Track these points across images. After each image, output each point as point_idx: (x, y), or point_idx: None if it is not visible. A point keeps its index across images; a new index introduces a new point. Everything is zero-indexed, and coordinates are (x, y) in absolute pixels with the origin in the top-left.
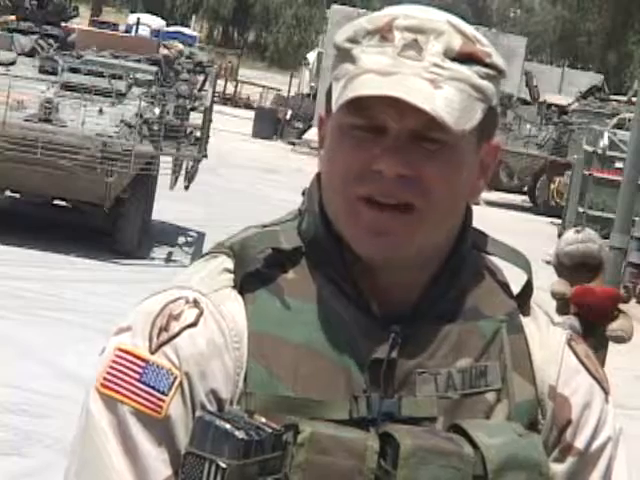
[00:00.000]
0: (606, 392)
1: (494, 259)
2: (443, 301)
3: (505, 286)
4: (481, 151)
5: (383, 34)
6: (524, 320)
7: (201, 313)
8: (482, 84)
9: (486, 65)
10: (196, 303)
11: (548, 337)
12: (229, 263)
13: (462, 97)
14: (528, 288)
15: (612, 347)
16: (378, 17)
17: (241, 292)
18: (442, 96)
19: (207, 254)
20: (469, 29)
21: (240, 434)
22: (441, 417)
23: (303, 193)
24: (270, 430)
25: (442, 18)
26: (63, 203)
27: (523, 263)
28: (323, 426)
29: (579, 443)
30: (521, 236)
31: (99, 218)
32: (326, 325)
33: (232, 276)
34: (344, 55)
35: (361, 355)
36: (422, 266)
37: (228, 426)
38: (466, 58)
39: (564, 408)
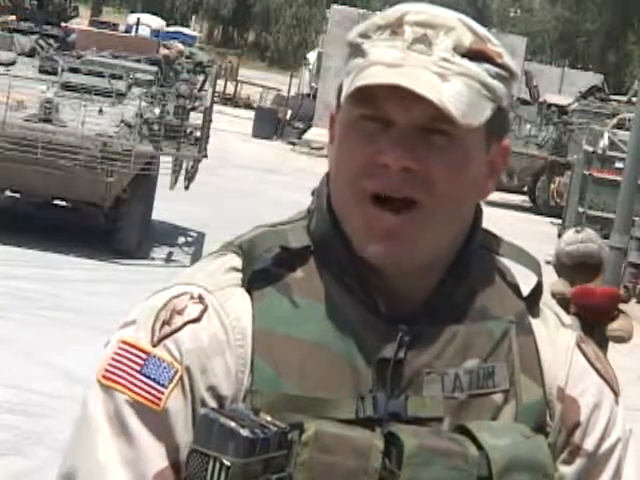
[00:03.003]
0: (616, 393)
1: (504, 260)
2: (451, 301)
3: (515, 287)
4: (490, 151)
5: (394, 29)
6: (533, 321)
7: (205, 309)
8: (492, 83)
9: (497, 65)
10: (201, 299)
11: (557, 338)
12: (237, 261)
13: (470, 92)
14: (538, 289)
15: (612, 347)
16: (390, 13)
17: (249, 290)
18: (450, 89)
19: (215, 252)
20: (481, 29)
21: (245, 432)
22: (447, 417)
23: (313, 192)
24: (275, 428)
25: (453, 15)
26: (63, 203)
27: (533, 264)
28: (328, 425)
29: (588, 445)
30: (521, 236)
31: (99, 218)
32: (334, 324)
33: (240, 274)
34: (355, 50)
35: (368, 354)
36: (430, 267)
37: (233, 424)
38: (476, 55)
39: (572, 410)
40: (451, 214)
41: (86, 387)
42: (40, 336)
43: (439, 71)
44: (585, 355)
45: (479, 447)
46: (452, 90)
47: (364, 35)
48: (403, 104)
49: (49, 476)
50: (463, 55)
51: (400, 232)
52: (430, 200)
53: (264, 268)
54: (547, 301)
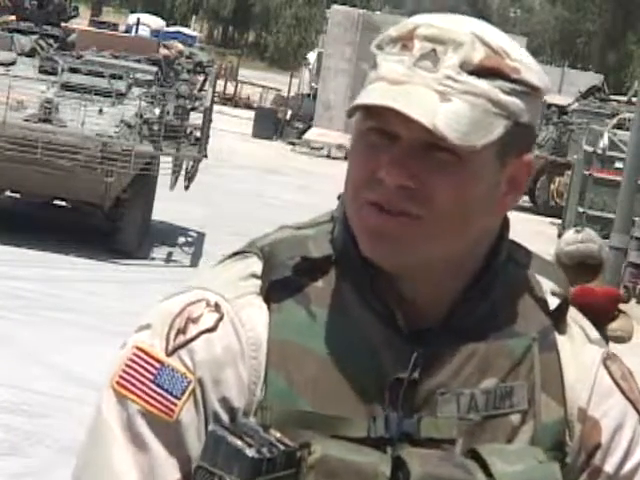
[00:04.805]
0: (639, 413)
1: (532, 273)
2: (473, 317)
3: (542, 302)
4: (507, 167)
5: (404, 42)
6: (559, 337)
7: (221, 318)
8: (504, 99)
9: (513, 80)
10: (217, 307)
11: (582, 355)
12: (257, 267)
13: (475, 112)
14: (564, 304)
15: (612, 347)
16: (404, 24)
17: (267, 299)
18: (448, 109)
19: (237, 253)
20: (499, 42)
21: (251, 452)
22: (460, 439)
23: (339, 197)
24: (283, 447)
25: (468, 29)
26: (63, 203)
27: (559, 278)
28: (335, 447)
29: (609, 467)
30: (521, 236)
31: (99, 218)
32: (350, 338)
33: (259, 282)
34: (372, 61)
35: (383, 372)
36: (445, 279)
37: (239, 443)
38: (487, 72)
39: (593, 431)
40: (454, 229)
41: (100, 389)
42: (40, 336)
43: (441, 89)
44: (610, 373)
45: (489, 474)
46: (450, 111)
47: (379, 47)
48: (404, 122)
49: (49, 476)
50: (471, 72)
51: (392, 234)
52: (429, 215)
53: (283, 277)
54: (574, 315)
